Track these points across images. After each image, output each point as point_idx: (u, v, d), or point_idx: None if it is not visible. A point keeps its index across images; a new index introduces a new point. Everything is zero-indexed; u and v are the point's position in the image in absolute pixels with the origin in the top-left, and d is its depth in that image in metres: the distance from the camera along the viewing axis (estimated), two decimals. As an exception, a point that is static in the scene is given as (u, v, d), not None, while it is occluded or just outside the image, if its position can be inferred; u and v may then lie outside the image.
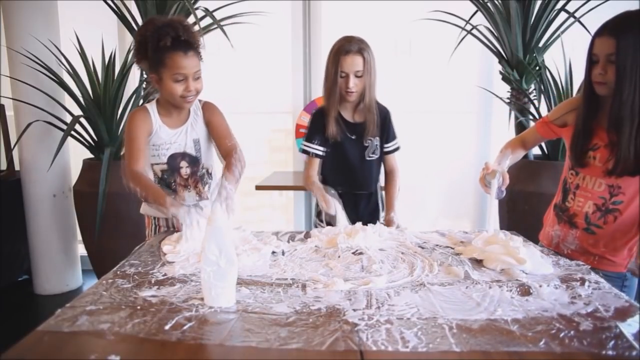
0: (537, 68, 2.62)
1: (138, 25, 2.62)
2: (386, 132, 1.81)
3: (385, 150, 1.83)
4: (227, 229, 0.97)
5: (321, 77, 1.76)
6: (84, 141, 2.76)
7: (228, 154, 1.49)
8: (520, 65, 2.65)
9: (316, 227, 1.84)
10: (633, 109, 1.20)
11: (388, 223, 1.78)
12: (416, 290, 1.02)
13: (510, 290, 1.01)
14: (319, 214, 1.84)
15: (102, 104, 2.69)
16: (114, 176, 2.38)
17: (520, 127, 2.65)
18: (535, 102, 2.69)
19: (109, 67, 2.70)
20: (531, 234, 1.49)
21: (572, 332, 0.81)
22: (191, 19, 2.38)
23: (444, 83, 3.15)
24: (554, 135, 1.49)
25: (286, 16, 3.19)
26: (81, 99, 2.70)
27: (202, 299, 0.96)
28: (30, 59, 2.65)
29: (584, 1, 2.48)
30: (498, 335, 0.80)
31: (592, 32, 1.27)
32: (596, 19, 1.54)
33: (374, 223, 1.53)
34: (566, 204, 1.41)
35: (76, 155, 3.00)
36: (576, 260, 1.24)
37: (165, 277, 1.11)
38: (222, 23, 2.56)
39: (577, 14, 2.48)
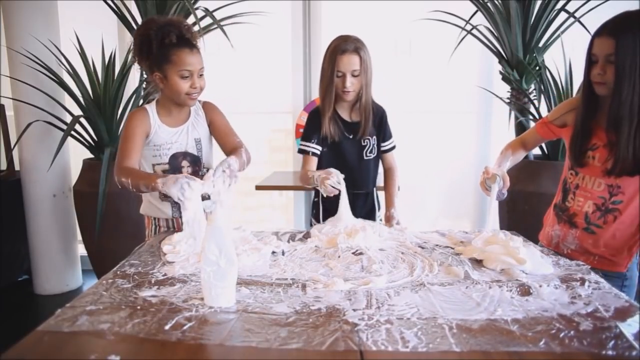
0: (537, 68, 2.62)
1: (138, 25, 2.62)
2: (383, 131, 1.82)
3: (382, 149, 1.84)
4: (227, 229, 0.97)
5: (321, 77, 1.76)
6: (84, 141, 2.76)
7: (235, 149, 1.49)
8: (520, 65, 2.65)
9: (312, 225, 1.83)
10: (632, 109, 1.20)
11: (388, 219, 1.78)
12: (416, 290, 1.02)
13: (510, 290, 1.01)
14: (315, 212, 1.84)
15: (102, 104, 2.69)
16: (114, 176, 2.38)
17: (520, 127, 2.65)
18: (535, 102, 2.70)
19: (109, 67, 2.70)
20: (531, 234, 1.50)
21: (572, 332, 0.81)
22: (191, 19, 2.38)
23: (444, 83, 3.15)
24: (553, 136, 1.49)
25: (286, 16, 3.19)
26: (81, 99, 2.70)
27: (202, 299, 0.96)
28: (30, 59, 2.65)
29: (584, 1, 2.48)
30: (498, 335, 0.81)
31: (592, 32, 1.27)
32: (596, 19, 1.54)
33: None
34: (566, 204, 1.41)
35: (76, 155, 3.00)
36: (576, 260, 1.24)
37: (165, 277, 1.11)
38: (222, 23, 2.57)
39: (577, 14, 2.48)
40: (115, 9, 2.66)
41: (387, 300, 0.96)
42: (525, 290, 1.01)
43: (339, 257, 1.27)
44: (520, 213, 2.49)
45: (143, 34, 1.45)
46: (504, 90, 2.81)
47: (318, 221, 1.80)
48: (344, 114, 1.77)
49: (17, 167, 3.00)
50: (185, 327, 0.83)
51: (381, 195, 1.93)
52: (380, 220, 1.88)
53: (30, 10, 2.73)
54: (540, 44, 2.66)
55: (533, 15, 2.59)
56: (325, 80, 1.68)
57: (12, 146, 2.97)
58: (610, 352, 0.75)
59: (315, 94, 3.17)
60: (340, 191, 1.52)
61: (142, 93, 2.73)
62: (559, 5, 2.54)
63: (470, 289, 1.03)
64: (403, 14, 3.03)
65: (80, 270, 3.14)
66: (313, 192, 1.94)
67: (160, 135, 1.55)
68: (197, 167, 1.60)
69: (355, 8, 3.09)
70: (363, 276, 1.12)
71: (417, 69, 3.20)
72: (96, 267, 2.79)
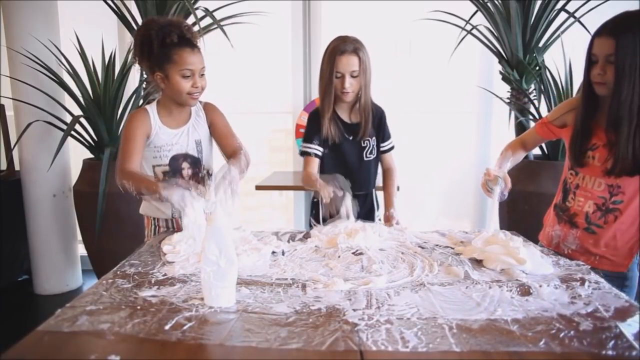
0: (537, 68, 2.62)
1: (138, 25, 2.62)
2: (382, 131, 1.82)
3: (382, 149, 1.84)
4: (227, 229, 0.97)
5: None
6: (84, 141, 2.76)
7: (235, 152, 1.49)
8: (520, 65, 2.65)
9: (311, 227, 1.83)
10: (631, 109, 1.20)
11: (387, 219, 1.78)
12: (416, 290, 1.02)
13: (510, 290, 1.01)
14: (315, 213, 1.84)
15: (102, 104, 2.69)
16: (114, 176, 2.37)
17: (520, 127, 2.65)
18: (535, 102, 2.69)
19: (109, 67, 2.70)
20: (531, 234, 1.50)
21: (572, 332, 0.81)
22: (191, 19, 2.38)
23: (444, 83, 3.15)
24: (553, 136, 1.49)
25: (286, 16, 3.19)
26: (81, 99, 2.70)
27: (202, 299, 0.96)
28: (30, 59, 2.65)
29: (584, 1, 2.48)
30: (498, 335, 0.80)
31: (592, 32, 1.27)
32: (596, 19, 1.54)
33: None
34: (566, 204, 1.41)
35: (76, 155, 3.00)
36: (576, 260, 1.24)
37: (165, 277, 1.11)
38: (222, 23, 2.57)
39: (577, 14, 2.48)
40: (115, 9, 2.66)
41: (387, 300, 0.96)
42: (525, 290, 1.01)
43: (339, 257, 1.27)
44: (520, 213, 2.49)
45: (144, 34, 1.45)
46: (504, 90, 2.81)
47: (317, 222, 1.80)
48: (344, 115, 1.77)
49: (17, 167, 3.00)
50: (185, 327, 0.83)
51: (380, 195, 1.93)
52: (379, 220, 1.88)
53: (30, 10, 2.73)
54: (540, 44, 2.66)
55: (533, 15, 2.59)
56: (324, 81, 1.68)
57: (12, 146, 2.97)
58: (610, 352, 0.74)
59: (315, 94, 3.16)
60: (343, 193, 1.51)
61: (142, 93, 2.73)
62: (559, 5, 2.54)
63: (470, 289, 1.03)
64: (403, 14, 3.02)
65: (80, 270, 3.14)
66: (313, 193, 1.94)
67: (160, 137, 1.54)
68: (197, 168, 1.60)
69: (355, 8, 3.09)
70: (363, 276, 1.12)
71: (417, 69, 3.20)
72: (96, 267, 2.80)
